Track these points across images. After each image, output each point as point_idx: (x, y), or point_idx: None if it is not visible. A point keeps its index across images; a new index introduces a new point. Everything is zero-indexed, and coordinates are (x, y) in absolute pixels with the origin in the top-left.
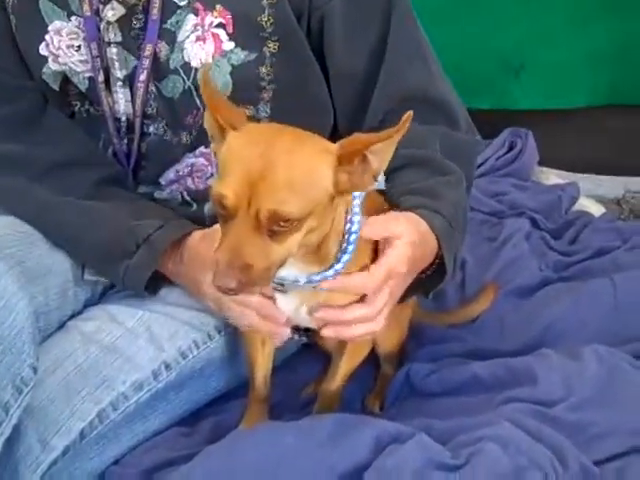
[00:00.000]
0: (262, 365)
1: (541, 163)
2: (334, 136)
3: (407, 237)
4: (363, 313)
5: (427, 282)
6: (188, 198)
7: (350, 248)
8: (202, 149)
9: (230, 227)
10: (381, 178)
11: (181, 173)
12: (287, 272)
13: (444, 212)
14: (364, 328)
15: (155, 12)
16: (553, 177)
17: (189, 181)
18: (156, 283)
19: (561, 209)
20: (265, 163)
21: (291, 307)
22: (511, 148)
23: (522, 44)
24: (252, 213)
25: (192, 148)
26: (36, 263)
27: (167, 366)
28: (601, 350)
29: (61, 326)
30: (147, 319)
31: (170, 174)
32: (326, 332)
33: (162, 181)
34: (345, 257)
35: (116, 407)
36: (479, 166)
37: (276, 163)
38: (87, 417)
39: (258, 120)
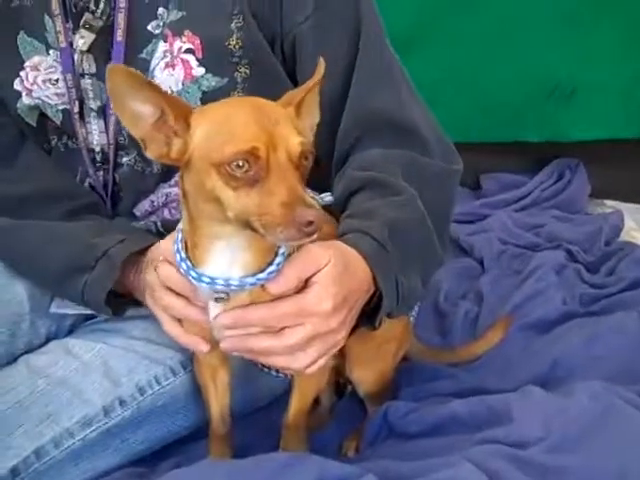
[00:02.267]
0: (216, 400)
1: (593, 195)
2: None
3: (329, 273)
4: (269, 344)
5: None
6: (162, 230)
7: (282, 250)
8: (177, 178)
9: (271, 178)
10: (328, 197)
11: (156, 204)
12: (228, 270)
13: (374, 233)
14: (279, 361)
15: (120, 34)
16: (606, 209)
17: (165, 212)
18: (119, 304)
19: (601, 240)
20: (264, 113)
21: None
22: (560, 179)
23: (572, 71)
24: (283, 156)
25: (166, 178)
26: None
27: (122, 402)
28: (597, 387)
29: (14, 360)
30: (105, 352)
31: (145, 205)
32: (224, 344)
33: (137, 212)
34: (278, 259)
35: (58, 444)
36: (522, 198)
37: (272, 111)
38: (22, 453)
39: None
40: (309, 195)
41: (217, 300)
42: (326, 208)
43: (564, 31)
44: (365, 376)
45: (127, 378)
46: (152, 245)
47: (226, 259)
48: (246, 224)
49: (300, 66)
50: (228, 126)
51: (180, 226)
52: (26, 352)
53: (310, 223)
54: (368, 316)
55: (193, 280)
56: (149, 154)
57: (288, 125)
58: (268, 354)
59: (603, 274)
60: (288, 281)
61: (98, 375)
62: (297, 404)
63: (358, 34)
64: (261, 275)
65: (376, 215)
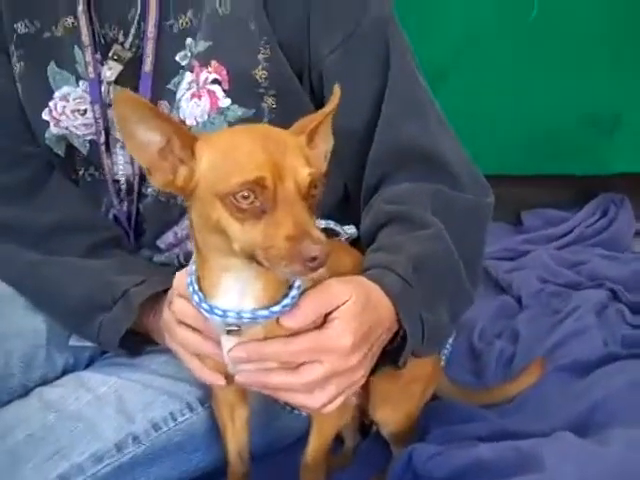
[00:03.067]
0: (234, 439)
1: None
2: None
3: (349, 309)
4: (284, 380)
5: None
6: (185, 262)
7: (297, 283)
8: None
9: (278, 209)
10: (352, 229)
11: (180, 236)
12: (240, 302)
13: (398, 269)
14: (295, 398)
15: (148, 64)
16: None
17: (189, 244)
18: (136, 344)
19: None
20: (272, 141)
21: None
22: (604, 215)
23: (615, 101)
24: (290, 187)
25: None
26: (3, 325)
27: (135, 438)
28: (636, 435)
29: (27, 392)
30: (120, 386)
31: (169, 237)
32: (239, 377)
33: (161, 244)
34: (293, 292)
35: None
36: (565, 235)
37: (280, 139)
38: None
39: None
40: (317, 228)
41: (229, 333)
42: (352, 241)
43: (606, 59)
44: (389, 417)
45: (142, 414)
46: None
47: (237, 291)
48: (252, 257)
49: (328, 98)
50: (233, 155)
51: (194, 258)
52: (41, 384)
53: (314, 258)
54: (392, 355)
55: (205, 312)
56: (154, 182)
57: (297, 154)
58: (284, 390)
59: None
60: (304, 315)
61: (112, 410)
62: (316, 443)
63: (387, 64)
64: (275, 308)
65: (401, 250)
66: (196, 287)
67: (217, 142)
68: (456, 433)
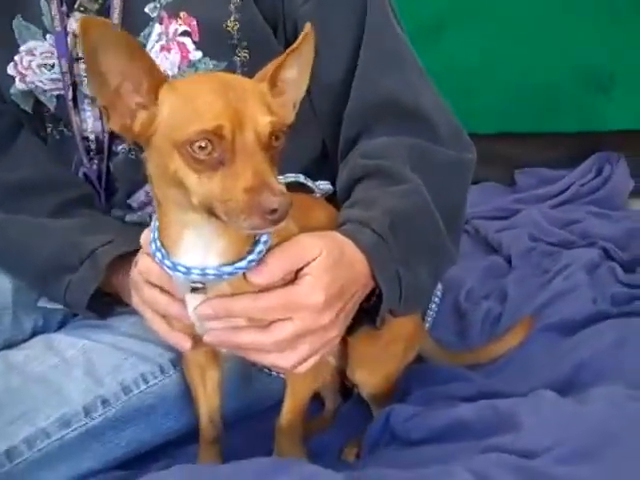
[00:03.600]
0: (205, 402)
1: (636, 190)
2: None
3: (321, 264)
4: (253, 339)
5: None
6: None
7: (263, 238)
8: None
9: (236, 160)
10: (326, 185)
11: (150, 194)
12: (204, 258)
13: (373, 224)
14: (266, 358)
15: (116, 16)
16: None
17: None
18: (105, 306)
19: (637, 237)
20: (232, 89)
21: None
22: (599, 174)
23: (611, 57)
24: (250, 137)
25: None
26: None
27: (104, 401)
28: (618, 393)
29: None
30: (89, 349)
31: (141, 196)
32: (207, 337)
33: (132, 203)
34: (259, 247)
35: (32, 445)
36: (559, 194)
37: (241, 87)
38: None
39: None
40: (278, 180)
41: (194, 291)
42: (329, 199)
43: (603, 16)
44: (368, 378)
45: (111, 376)
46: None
47: (200, 247)
48: (210, 211)
49: None
50: (192, 103)
51: (156, 214)
52: (8, 347)
53: (274, 211)
54: (370, 314)
55: (168, 270)
56: (111, 125)
57: (258, 102)
58: (255, 350)
59: None
60: (271, 271)
61: (80, 372)
62: (290, 405)
63: (364, 16)
64: (240, 264)
65: (377, 205)
66: (159, 244)
67: (179, 88)
68: (437, 394)
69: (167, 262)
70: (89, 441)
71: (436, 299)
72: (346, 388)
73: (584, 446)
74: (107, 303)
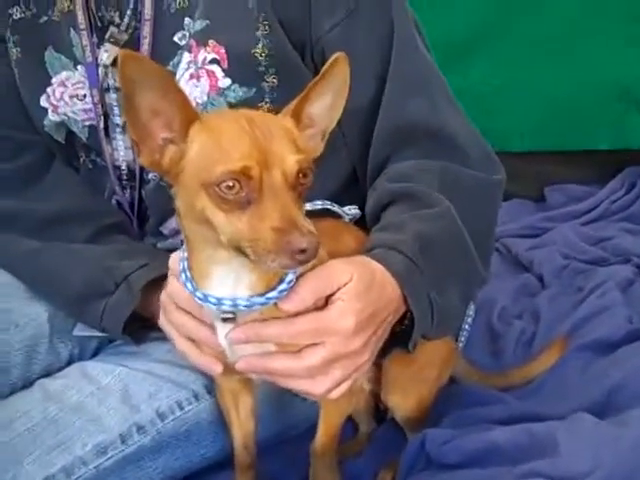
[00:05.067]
0: (239, 428)
1: None
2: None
3: (352, 289)
4: (284, 365)
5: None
6: None
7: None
8: None
9: (264, 200)
10: (354, 210)
11: None
12: (234, 289)
13: (403, 248)
14: (299, 384)
15: (145, 46)
16: None
17: None
18: (141, 331)
19: None
20: (258, 127)
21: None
22: (630, 189)
23: None
24: (277, 176)
25: None
26: (2, 316)
27: (140, 428)
28: None
29: (30, 384)
30: (125, 376)
31: (172, 223)
32: (239, 364)
33: (164, 230)
34: (289, 276)
35: (70, 473)
36: (590, 211)
37: (267, 124)
38: None
39: None
40: (306, 219)
41: (225, 321)
42: (357, 222)
43: (634, 32)
44: (403, 402)
45: (147, 403)
46: None
47: (230, 281)
48: (238, 249)
49: None
50: (220, 143)
51: (184, 245)
52: (44, 376)
53: (303, 251)
54: (402, 338)
55: (199, 301)
56: (141, 159)
57: (285, 140)
58: (287, 376)
59: None
60: (302, 299)
61: (115, 400)
62: (324, 431)
63: (391, 40)
64: (271, 294)
65: (407, 229)
66: (189, 275)
67: (208, 127)
68: (471, 417)
69: (198, 294)
70: (125, 468)
71: (469, 319)
72: (380, 412)
73: (622, 471)
74: (143, 327)
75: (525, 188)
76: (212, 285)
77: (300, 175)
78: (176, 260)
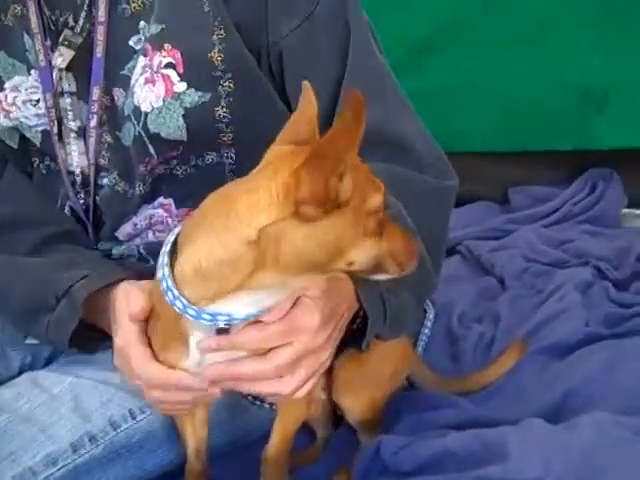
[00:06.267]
0: (193, 435)
1: (630, 207)
2: None
3: (315, 289)
4: (255, 367)
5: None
6: (144, 253)
7: None
8: (161, 200)
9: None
10: None
11: (139, 226)
12: (240, 310)
13: None
14: (266, 387)
15: (99, 50)
16: None
17: (150, 234)
18: (90, 341)
19: (632, 256)
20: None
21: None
22: (593, 191)
23: (605, 74)
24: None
25: (149, 199)
26: None
27: (92, 438)
28: (605, 419)
29: None
30: (77, 385)
31: (128, 228)
32: (209, 371)
33: (119, 235)
34: None
35: None
36: (553, 212)
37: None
38: None
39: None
40: None
41: (219, 332)
42: None
43: (596, 33)
44: (355, 403)
45: (99, 412)
46: (120, 280)
47: (244, 304)
48: (375, 269)
49: (288, 81)
50: (365, 175)
51: (164, 261)
52: None
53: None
54: (356, 338)
55: (190, 317)
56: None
57: None
58: (255, 380)
59: (633, 292)
60: (282, 307)
61: (67, 410)
62: (279, 436)
63: (347, 45)
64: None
65: None
66: (176, 293)
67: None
68: (426, 422)
69: (190, 311)
70: (77, 478)
71: (428, 323)
72: (337, 417)
73: (572, 477)
74: (93, 338)
75: (489, 190)
76: (219, 307)
77: None
78: (136, 299)
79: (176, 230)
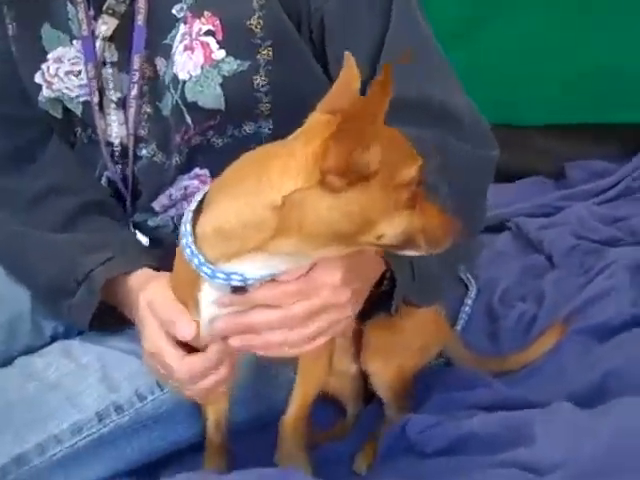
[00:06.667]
0: (212, 407)
1: None
2: None
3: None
4: (266, 317)
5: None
6: (178, 224)
7: None
8: (197, 170)
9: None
10: None
11: (174, 197)
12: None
13: None
14: (274, 336)
15: (140, 18)
16: None
17: (185, 205)
18: (112, 320)
19: None
20: None
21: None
22: None
23: None
24: None
25: (185, 170)
26: None
27: (118, 408)
28: (636, 403)
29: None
30: (105, 355)
31: (163, 199)
32: (218, 323)
33: (155, 206)
34: None
35: (45, 450)
36: (610, 188)
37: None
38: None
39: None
40: None
41: (234, 291)
42: None
43: None
44: (382, 369)
45: (126, 383)
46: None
47: (260, 266)
48: (405, 243)
49: (329, 48)
50: (400, 148)
51: (187, 217)
52: (27, 353)
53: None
54: (385, 302)
55: (205, 275)
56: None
57: None
58: (265, 329)
59: None
60: (303, 268)
61: (94, 379)
62: (298, 401)
63: (389, 12)
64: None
65: None
66: (194, 250)
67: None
68: (457, 401)
69: (205, 269)
70: (101, 448)
71: (469, 301)
72: (369, 395)
73: (594, 465)
74: (115, 319)
75: (545, 164)
76: (235, 267)
77: None
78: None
79: (204, 189)
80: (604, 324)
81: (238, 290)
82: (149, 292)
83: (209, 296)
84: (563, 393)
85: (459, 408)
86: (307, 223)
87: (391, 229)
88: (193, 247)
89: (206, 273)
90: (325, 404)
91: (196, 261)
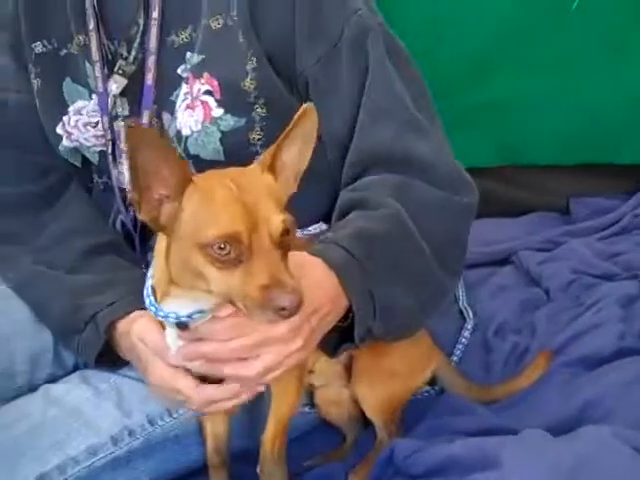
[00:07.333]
0: (212, 430)
1: None
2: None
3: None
4: (213, 347)
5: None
6: None
7: None
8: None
9: (253, 259)
10: (314, 229)
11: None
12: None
13: (343, 242)
14: (228, 368)
15: (149, 77)
16: None
17: None
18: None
19: None
20: (247, 192)
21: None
22: None
23: None
24: (265, 237)
25: None
26: (7, 326)
27: (131, 432)
28: (605, 432)
29: (35, 388)
30: (120, 383)
31: None
32: (179, 351)
33: None
34: None
35: (64, 471)
36: (612, 225)
37: (253, 186)
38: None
39: None
40: (290, 275)
41: (179, 327)
42: None
43: None
44: (370, 393)
45: (139, 408)
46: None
47: (181, 305)
48: (230, 301)
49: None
50: (212, 208)
51: (150, 272)
52: (50, 381)
53: (284, 309)
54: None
55: (160, 317)
56: (141, 216)
57: (270, 201)
58: (215, 359)
59: None
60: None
61: (110, 405)
62: (274, 422)
63: (366, 73)
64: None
65: (349, 226)
66: (152, 300)
67: (200, 189)
68: (444, 427)
69: (152, 308)
70: (116, 469)
71: (466, 332)
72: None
73: None
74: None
75: (551, 201)
76: (176, 308)
77: (285, 234)
78: (158, 340)
79: None
80: (589, 356)
81: (181, 327)
82: (138, 328)
83: (171, 331)
84: (543, 421)
85: (445, 433)
86: (171, 266)
87: (212, 283)
88: (152, 298)
89: (153, 311)
90: (326, 429)
91: (147, 302)
